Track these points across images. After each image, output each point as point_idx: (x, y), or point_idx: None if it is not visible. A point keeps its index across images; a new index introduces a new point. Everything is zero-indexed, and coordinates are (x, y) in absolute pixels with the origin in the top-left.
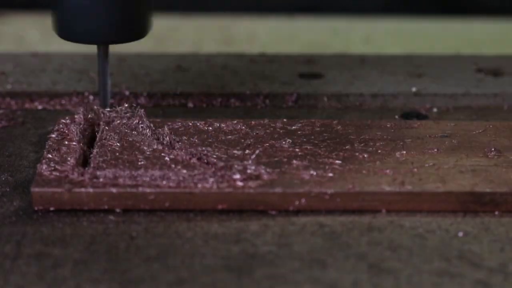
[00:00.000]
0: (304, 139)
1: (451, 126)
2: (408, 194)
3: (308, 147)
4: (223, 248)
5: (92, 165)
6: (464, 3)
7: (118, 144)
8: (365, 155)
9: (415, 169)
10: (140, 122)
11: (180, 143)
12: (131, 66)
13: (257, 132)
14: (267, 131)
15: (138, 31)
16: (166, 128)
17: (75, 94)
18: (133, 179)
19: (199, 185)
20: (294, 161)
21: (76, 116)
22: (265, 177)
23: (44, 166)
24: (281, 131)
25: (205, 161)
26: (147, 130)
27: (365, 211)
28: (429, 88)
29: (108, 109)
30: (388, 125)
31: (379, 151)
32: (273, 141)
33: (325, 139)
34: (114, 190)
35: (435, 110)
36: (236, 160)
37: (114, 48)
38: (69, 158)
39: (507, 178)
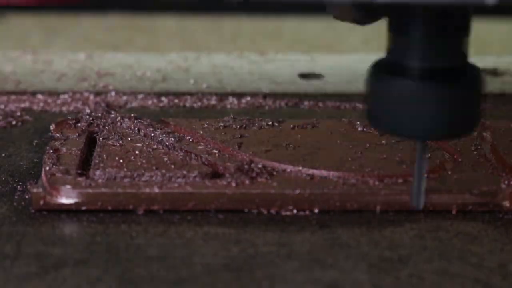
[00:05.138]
0: (304, 139)
1: None
2: (407, 194)
3: (308, 147)
4: (223, 248)
5: (92, 165)
6: None
7: (118, 144)
8: (361, 155)
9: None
10: (140, 122)
11: (180, 143)
12: (131, 65)
13: (256, 131)
14: (266, 130)
15: (464, 126)
16: (165, 128)
17: (75, 94)
18: (133, 180)
19: (199, 186)
20: (294, 162)
21: (76, 117)
22: (265, 177)
23: (44, 167)
24: (280, 131)
25: (205, 161)
26: (147, 130)
27: (365, 211)
28: None
29: (108, 110)
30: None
31: (378, 151)
32: (273, 141)
33: (325, 139)
34: (114, 190)
35: None
36: (235, 160)
37: (112, 48)
38: (69, 159)
39: (506, 177)
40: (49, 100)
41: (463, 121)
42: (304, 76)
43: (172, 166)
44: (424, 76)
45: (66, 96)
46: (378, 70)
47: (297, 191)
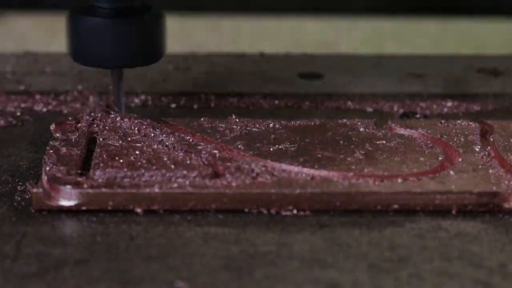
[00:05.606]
0: (304, 139)
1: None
2: (408, 193)
3: (308, 147)
4: (223, 248)
5: (92, 165)
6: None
7: (118, 144)
8: (361, 155)
9: (414, 169)
10: (140, 122)
11: (179, 143)
12: None
13: (256, 131)
14: (267, 130)
15: (152, 55)
16: (165, 128)
17: (75, 94)
18: (133, 179)
19: (199, 185)
20: (294, 162)
21: (76, 117)
22: (265, 177)
23: (44, 167)
24: (281, 131)
25: (205, 161)
26: (147, 130)
27: (365, 211)
28: (429, 89)
29: (108, 110)
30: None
31: (378, 151)
32: (273, 141)
33: (326, 139)
34: (114, 190)
35: (434, 110)
36: (235, 160)
37: None
38: (69, 159)
39: (506, 177)
40: (49, 100)
41: (147, 51)
42: (304, 76)
43: (172, 166)
44: (110, 14)
45: (66, 96)
46: (75, 12)
47: (297, 191)
